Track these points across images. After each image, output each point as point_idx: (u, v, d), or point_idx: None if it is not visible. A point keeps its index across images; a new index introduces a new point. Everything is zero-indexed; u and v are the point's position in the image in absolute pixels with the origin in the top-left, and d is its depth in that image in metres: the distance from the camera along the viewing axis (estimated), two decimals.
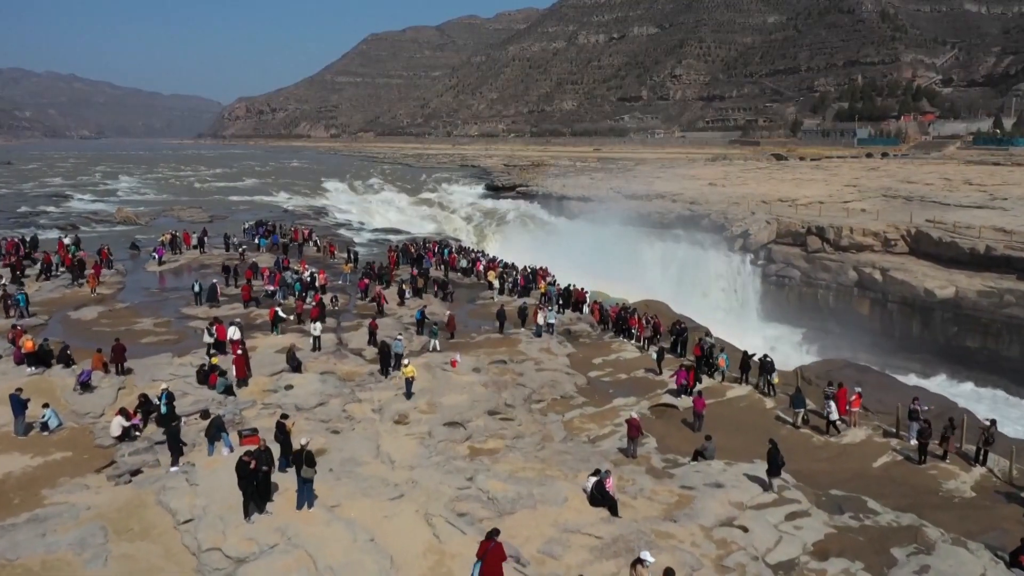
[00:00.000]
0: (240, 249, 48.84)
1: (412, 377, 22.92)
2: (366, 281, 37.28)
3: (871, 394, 34.89)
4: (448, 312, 32.58)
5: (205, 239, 50.37)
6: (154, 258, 45.54)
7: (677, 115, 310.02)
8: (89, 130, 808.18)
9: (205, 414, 19.76)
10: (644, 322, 30.91)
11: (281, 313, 30.24)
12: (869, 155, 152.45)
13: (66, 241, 46.90)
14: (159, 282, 41.10)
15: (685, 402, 24.06)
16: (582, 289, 37.04)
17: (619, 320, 32.19)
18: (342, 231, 69.03)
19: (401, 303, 35.86)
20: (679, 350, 29.92)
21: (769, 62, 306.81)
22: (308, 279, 37.02)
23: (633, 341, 31.33)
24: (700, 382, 25.30)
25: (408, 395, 22.79)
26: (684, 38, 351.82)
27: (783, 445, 21.42)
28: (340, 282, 41.49)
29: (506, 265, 47.20)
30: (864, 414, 23.77)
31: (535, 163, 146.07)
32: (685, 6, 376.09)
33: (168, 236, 49.31)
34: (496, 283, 40.27)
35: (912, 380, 40.32)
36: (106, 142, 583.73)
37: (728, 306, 57.60)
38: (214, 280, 36.21)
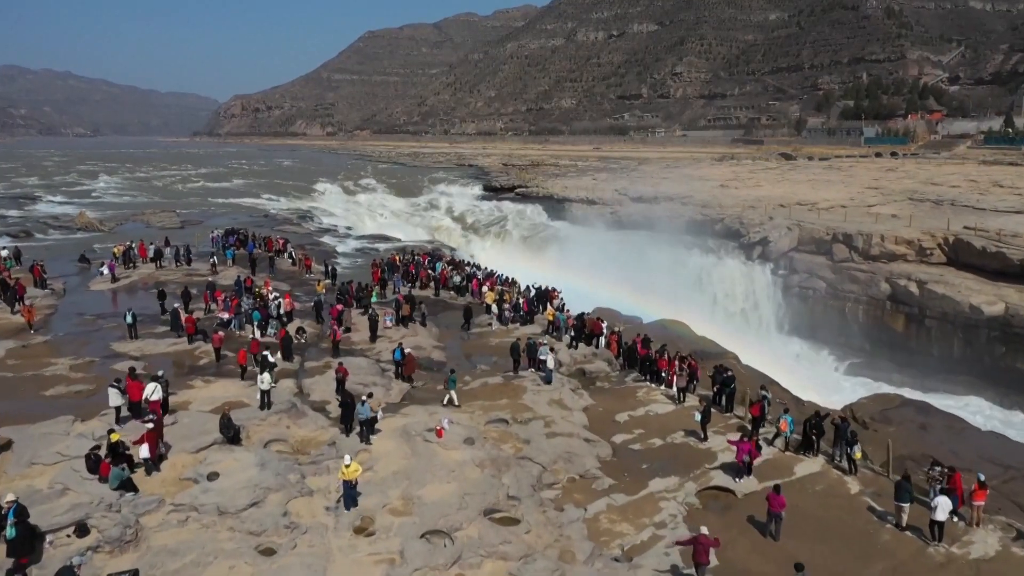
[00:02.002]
0: (211, 261, 43.00)
1: (355, 480, 16.05)
2: (340, 307, 30.98)
3: (940, 442, 29.13)
4: (407, 349, 25.46)
5: (164, 250, 44.19)
6: (102, 274, 39.57)
7: (678, 113, 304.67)
8: (85, 128, 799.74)
9: (82, 529, 13.88)
10: (678, 366, 24.75)
11: (270, 358, 23.68)
12: (878, 154, 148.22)
13: (3, 254, 40.94)
14: (112, 303, 35.15)
15: (747, 486, 18.13)
16: (598, 319, 30.77)
17: (645, 361, 26.12)
18: (326, 238, 63.41)
19: (372, 338, 29.64)
20: (721, 401, 23.96)
21: (772, 60, 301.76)
22: (275, 307, 30.88)
23: (663, 387, 25.27)
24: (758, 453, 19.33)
25: (347, 503, 16.02)
26: (685, 35, 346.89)
27: (889, 559, 15.63)
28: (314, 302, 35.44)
29: (505, 281, 41.18)
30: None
31: (534, 162, 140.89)
32: (685, 3, 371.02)
33: (121, 248, 43.32)
34: (495, 307, 33.98)
35: (979, 420, 34.66)
36: (100, 140, 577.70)
37: (747, 320, 52.61)
38: (176, 304, 30.44)
